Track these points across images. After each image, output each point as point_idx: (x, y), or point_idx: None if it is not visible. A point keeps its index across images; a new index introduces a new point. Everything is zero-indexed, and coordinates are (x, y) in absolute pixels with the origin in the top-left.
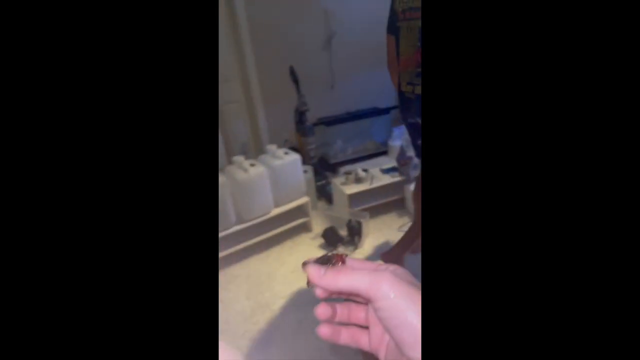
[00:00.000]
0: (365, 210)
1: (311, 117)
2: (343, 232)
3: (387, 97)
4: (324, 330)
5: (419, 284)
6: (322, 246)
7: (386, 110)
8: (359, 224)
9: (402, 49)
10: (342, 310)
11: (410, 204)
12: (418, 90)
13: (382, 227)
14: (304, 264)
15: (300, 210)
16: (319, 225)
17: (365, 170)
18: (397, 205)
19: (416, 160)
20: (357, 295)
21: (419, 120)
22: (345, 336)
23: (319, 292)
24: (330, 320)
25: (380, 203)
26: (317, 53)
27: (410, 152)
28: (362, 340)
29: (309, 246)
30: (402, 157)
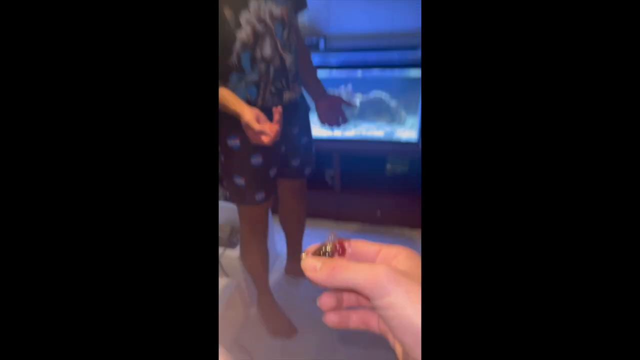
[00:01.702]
0: None
1: None
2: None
3: None
4: (330, 319)
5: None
6: None
7: None
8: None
9: None
10: (349, 296)
11: None
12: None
13: None
14: (304, 255)
15: None
16: None
17: None
18: None
19: None
20: (356, 292)
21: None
22: (355, 320)
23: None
24: (337, 308)
25: None
26: None
27: None
28: (372, 323)
29: None
30: None
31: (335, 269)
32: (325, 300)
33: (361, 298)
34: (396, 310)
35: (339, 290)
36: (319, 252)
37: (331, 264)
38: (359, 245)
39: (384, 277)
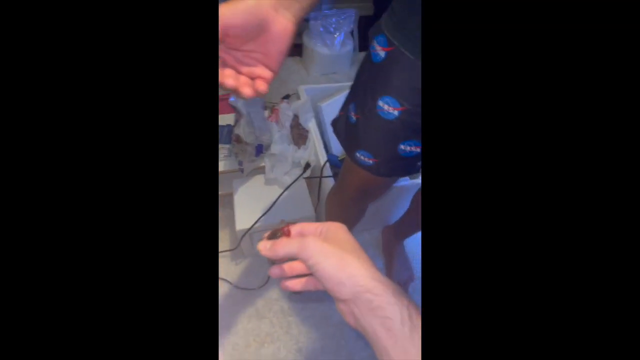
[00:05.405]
0: None
1: None
2: None
3: None
4: (284, 285)
5: (351, 239)
6: None
7: None
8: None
9: None
10: (288, 267)
11: None
12: None
13: None
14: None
15: None
16: None
17: None
18: None
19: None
20: (295, 258)
21: None
22: (304, 283)
23: (268, 260)
24: (283, 276)
25: None
26: None
27: None
28: (316, 284)
29: None
30: None
31: (279, 245)
32: (274, 271)
33: (295, 267)
34: (317, 265)
35: (282, 261)
36: (270, 236)
37: (278, 241)
38: (304, 226)
39: (311, 245)
